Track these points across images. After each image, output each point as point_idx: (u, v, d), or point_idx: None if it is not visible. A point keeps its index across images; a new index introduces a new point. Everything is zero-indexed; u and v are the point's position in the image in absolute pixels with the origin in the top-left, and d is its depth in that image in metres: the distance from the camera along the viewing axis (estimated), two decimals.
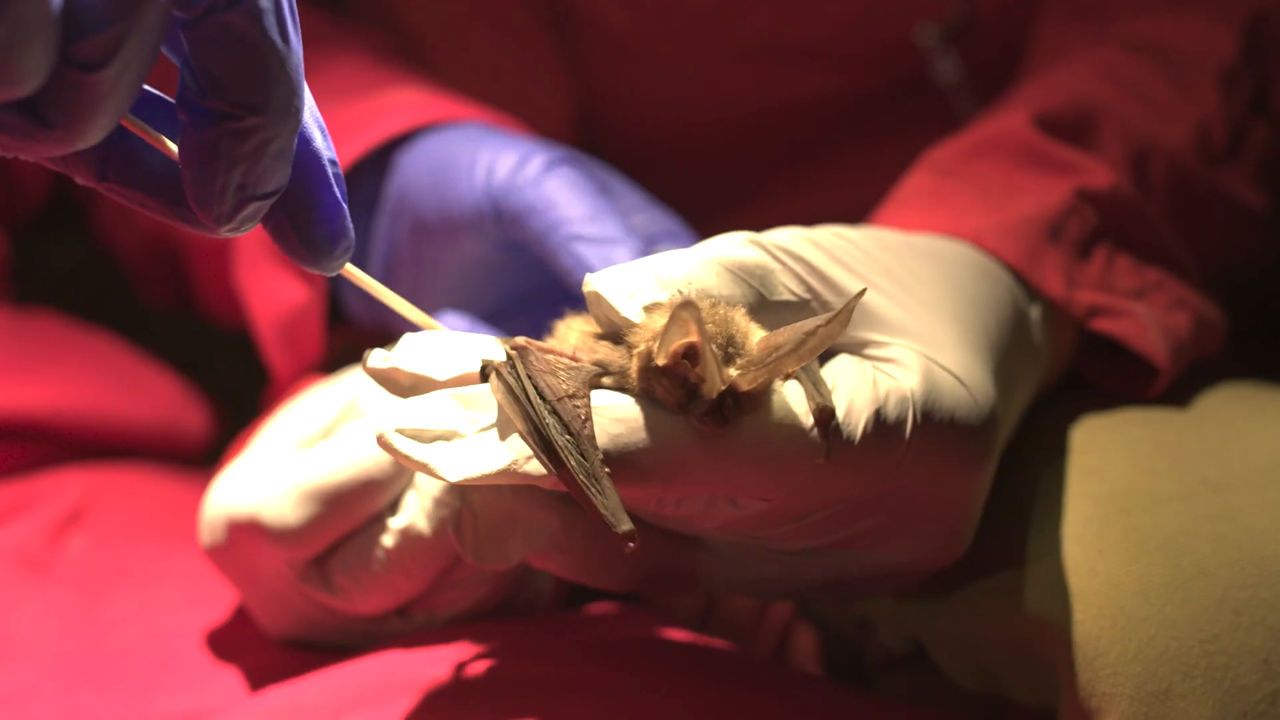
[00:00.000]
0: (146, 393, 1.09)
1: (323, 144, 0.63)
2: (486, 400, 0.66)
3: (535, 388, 0.65)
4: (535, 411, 0.64)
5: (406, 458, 0.64)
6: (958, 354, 0.69)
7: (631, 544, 0.62)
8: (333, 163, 0.64)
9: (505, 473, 0.64)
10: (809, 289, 0.69)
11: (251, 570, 0.78)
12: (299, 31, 0.59)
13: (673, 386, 0.64)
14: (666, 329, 0.63)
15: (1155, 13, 0.93)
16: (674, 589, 0.74)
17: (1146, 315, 0.81)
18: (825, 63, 1.03)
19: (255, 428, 0.88)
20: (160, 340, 1.18)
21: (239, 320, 1.02)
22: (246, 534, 0.76)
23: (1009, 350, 0.74)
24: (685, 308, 0.62)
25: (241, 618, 0.84)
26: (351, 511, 0.75)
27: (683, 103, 1.06)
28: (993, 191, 0.83)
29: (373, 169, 0.92)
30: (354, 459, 0.75)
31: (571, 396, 0.64)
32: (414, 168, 0.89)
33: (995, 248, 0.78)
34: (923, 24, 1.01)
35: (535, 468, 0.64)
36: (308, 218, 0.63)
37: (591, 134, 1.07)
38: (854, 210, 0.92)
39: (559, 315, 0.72)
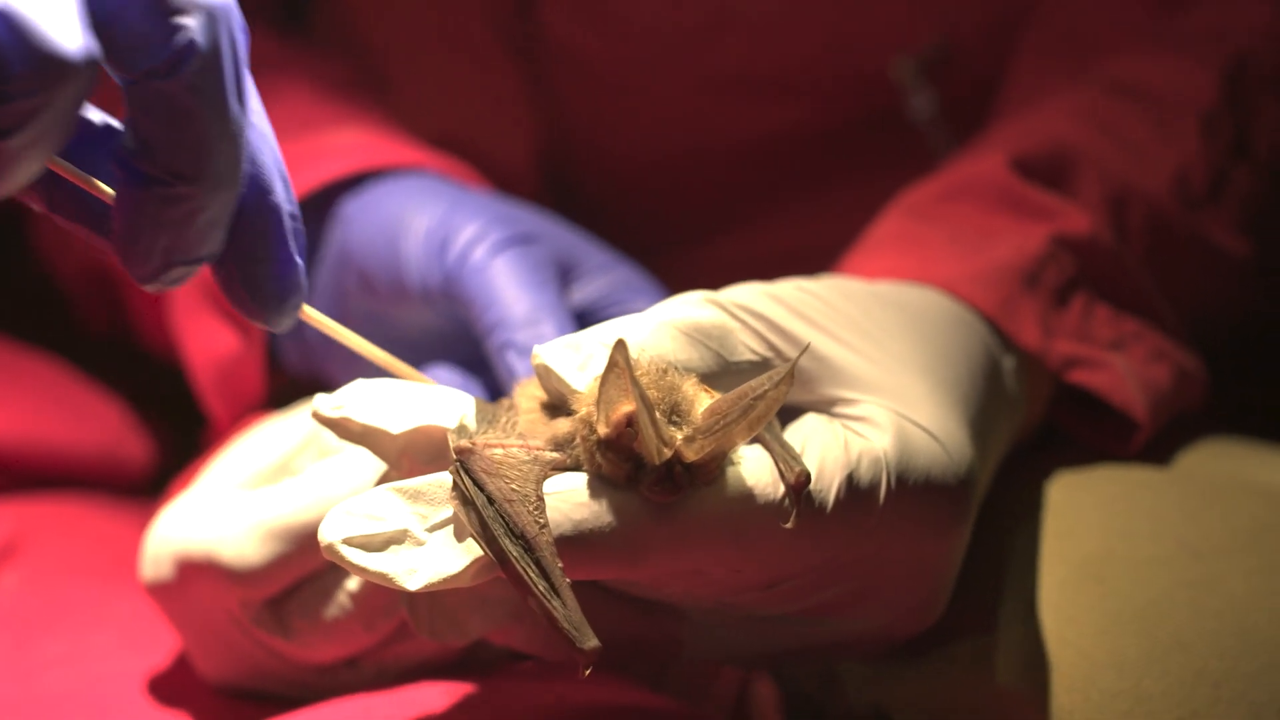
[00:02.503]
0: (87, 419, 1.06)
1: (284, 196, 0.61)
2: (434, 493, 0.63)
3: (485, 493, 0.61)
4: (485, 519, 0.61)
5: (360, 569, 0.61)
6: (931, 410, 0.67)
7: (589, 668, 0.60)
8: (294, 216, 0.61)
9: (463, 575, 0.61)
10: (771, 347, 0.66)
11: (197, 610, 0.75)
12: (247, 100, 0.57)
13: (618, 460, 0.61)
14: (601, 392, 0.60)
15: (1135, 53, 0.91)
16: (643, 660, 0.71)
17: (1125, 368, 0.79)
18: (798, 95, 1.01)
19: (198, 465, 0.85)
20: (102, 365, 1.14)
21: (175, 356, 0.99)
22: (198, 571, 0.73)
23: (984, 404, 0.71)
24: (614, 368, 0.59)
25: (180, 664, 0.81)
26: (315, 552, 0.71)
27: (652, 133, 1.03)
28: (967, 237, 0.80)
29: (314, 211, 0.89)
30: (321, 497, 0.71)
31: (524, 499, 0.61)
32: (361, 220, 0.87)
33: (969, 295, 0.76)
34: (898, 58, 0.99)
35: (495, 571, 0.61)
36: (259, 272, 0.61)
37: (560, 163, 1.04)
38: (826, 246, 0.90)
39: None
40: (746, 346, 0.66)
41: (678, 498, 0.61)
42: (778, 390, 0.60)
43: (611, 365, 0.60)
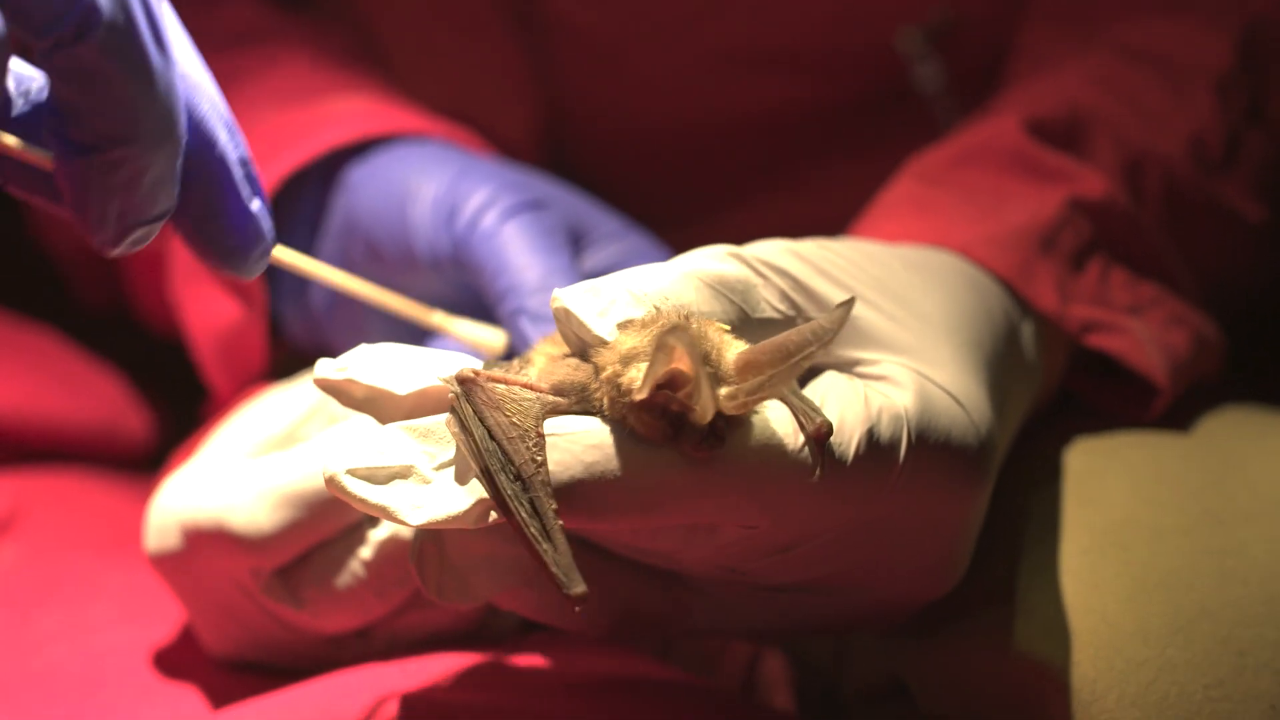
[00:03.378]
0: (86, 392, 1.04)
1: (229, 143, 0.59)
2: (444, 432, 0.61)
3: (485, 425, 0.60)
4: (483, 454, 0.59)
5: (361, 500, 0.59)
6: (953, 371, 0.65)
7: (579, 607, 0.58)
8: (244, 162, 0.59)
9: (469, 515, 0.59)
10: (793, 305, 0.65)
11: (204, 579, 0.74)
12: (169, 45, 0.55)
13: (653, 419, 0.59)
14: (653, 362, 0.58)
15: (1147, 19, 0.90)
16: (654, 632, 0.69)
17: (1143, 332, 0.77)
18: (802, 68, 0.99)
19: (199, 436, 0.83)
20: (101, 339, 1.13)
21: (171, 326, 0.98)
22: (207, 540, 0.72)
23: (1003, 367, 0.70)
24: (673, 333, 0.57)
25: (181, 637, 0.80)
26: (328, 519, 0.70)
27: (655, 107, 1.02)
28: (982, 200, 0.79)
29: (318, 179, 0.87)
30: None
31: (523, 436, 0.59)
32: (368, 188, 0.85)
33: (985, 259, 0.75)
34: (905, 28, 0.97)
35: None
36: (215, 226, 0.59)
37: (560, 138, 1.03)
38: (831, 220, 0.88)
39: None
40: (768, 303, 0.64)
41: (720, 451, 0.59)
42: (819, 344, 0.59)
43: (666, 327, 0.58)
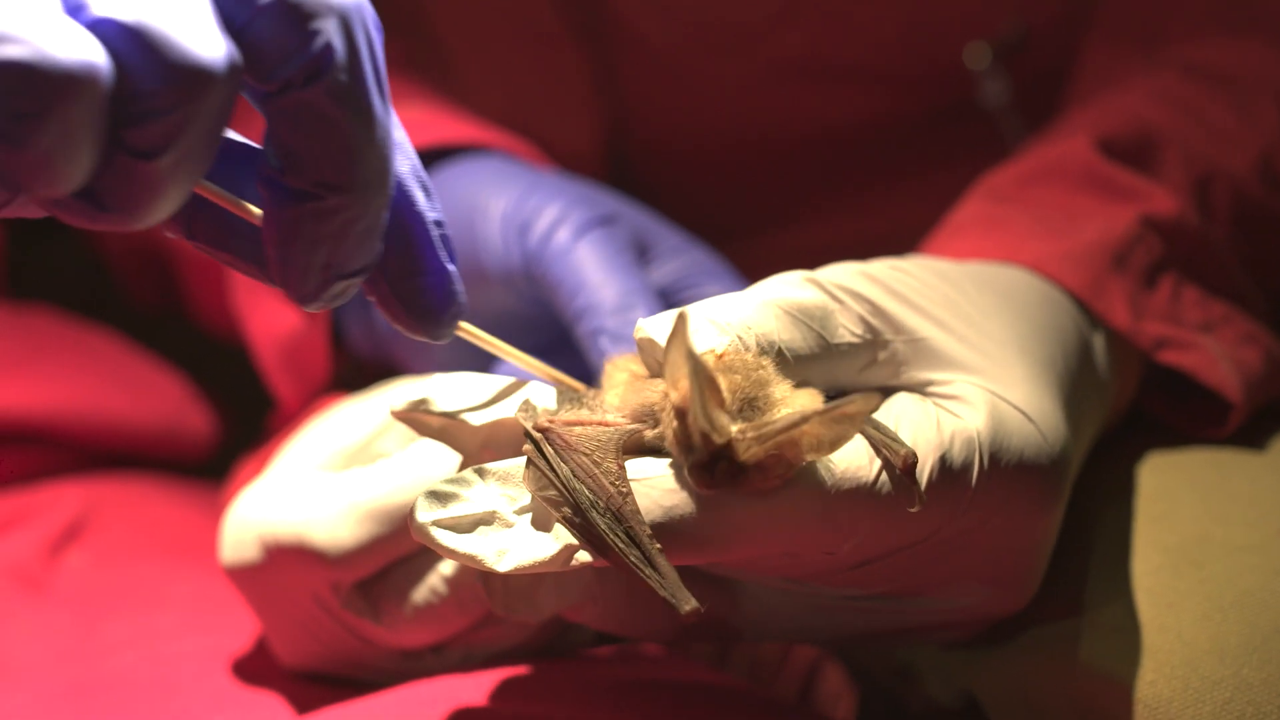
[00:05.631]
0: (149, 394, 1.05)
1: (426, 204, 0.59)
2: (521, 474, 0.62)
3: (569, 468, 0.60)
4: (571, 497, 0.60)
5: (450, 550, 0.60)
6: (1026, 389, 0.66)
7: (695, 619, 0.59)
8: (439, 223, 0.59)
9: (555, 560, 0.60)
10: (870, 329, 0.65)
11: (283, 593, 0.74)
12: (388, 99, 0.55)
13: (681, 430, 0.60)
14: (666, 357, 0.59)
15: (1212, 38, 0.90)
16: (713, 638, 0.69)
17: (1216, 349, 0.77)
18: (868, 81, 0.99)
19: (270, 447, 0.83)
20: (164, 341, 1.13)
21: (230, 330, 0.98)
22: (287, 554, 0.72)
23: (1076, 384, 0.70)
24: (675, 337, 0.58)
25: (251, 646, 0.80)
26: (409, 535, 0.70)
27: (720, 120, 1.02)
28: (1053, 218, 0.79)
29: None
30: (416, 479, 0.70)
31: (605, 472, 0.60)
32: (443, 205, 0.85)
33: (1058, 275, 0.75)
34: (974, 43, 0.98)
35: (585, 555, 0.60)
36: (413, 286, 0.59)
37: (623, 149, 1.03)
38: (894, 235, 0.88)
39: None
40: (847, 328, 0.65)
41: (713, 493, 0.59)
42: (842, 413, 0.59)
43: (673, 335, 0.58)
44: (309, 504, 0.71)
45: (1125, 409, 0.79)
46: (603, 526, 0.59)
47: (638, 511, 0.59)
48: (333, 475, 0.73)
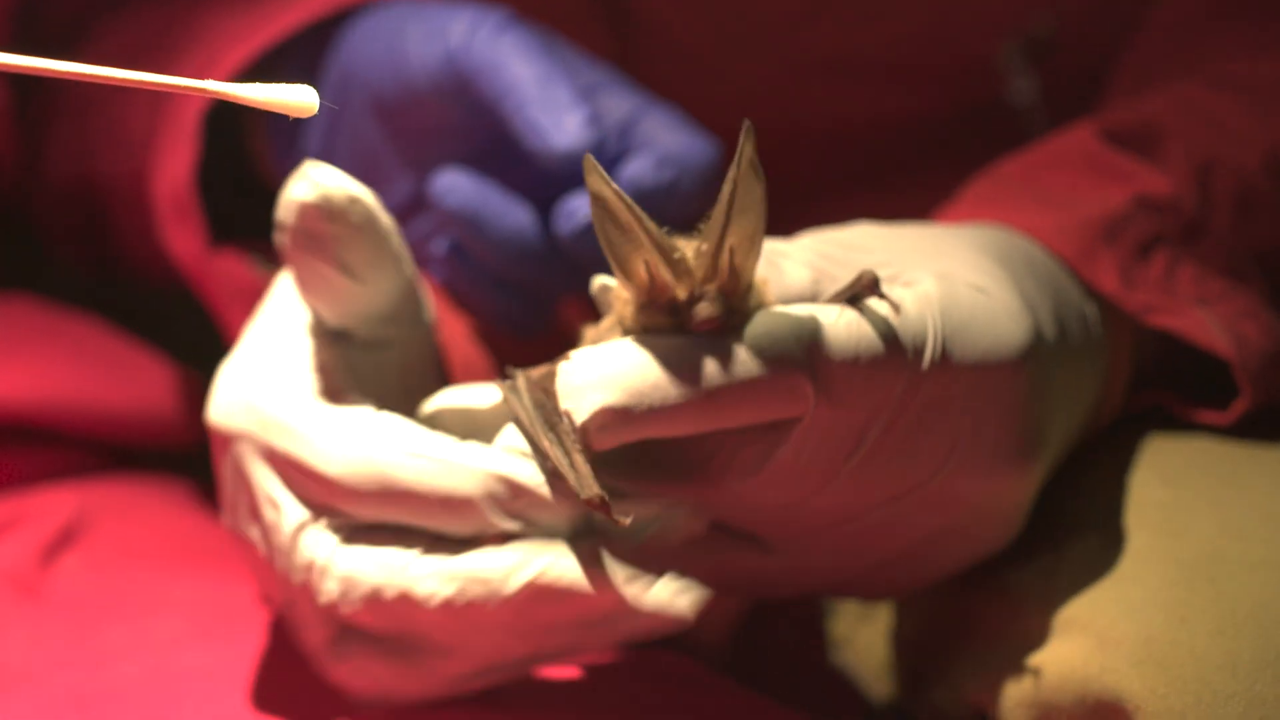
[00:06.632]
0: (137, 380, 1.03)
1: None
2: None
3: (527, 400, 0.67)
4: (529, 427, 0.66)
5: None
6: (986, 281, 0.69)
7: (598, 508, 0.63)
8: None
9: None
10: (817, 269, 0.69)
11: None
12: None
13: (657, 314, 0.64)
14: (612, 252, 0.64)
15: (1241, 58, 0.89)
16: (743, 592, 0.74)
17: (1210, 317, 0.77)
18: (896, 78, 0.99)
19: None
20: (154, 326, 1.11)
21: (167, 279, 0.97)
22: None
23: (1061, 321, 0.71)
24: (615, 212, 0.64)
25: (251, 654, 0.79)
26: None
27: (743, 115, 1.00)
28: (1050, 195, 0.80)
29: (310, 47, 0.89)
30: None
31: (548, 393, 0.66)
32: (361, 45, 0.86)
33: (1049, 242, 0.76)
34: (1003, 42, 0.97)
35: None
36: None
37: None
38: None
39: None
40: (794, 271, 0.68)
41: (722, 318, 0.63)
42: (745, 174, 0.63)
43: (613, 212, 0.63)
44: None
45: (1124, 392, 0.79)
46: (545, 439, 0.65)
47: (570, 431, 0.64)
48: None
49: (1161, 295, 0.77)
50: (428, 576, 0.67)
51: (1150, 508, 0.74)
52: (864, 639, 0.90)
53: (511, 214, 0.82)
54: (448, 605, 0.67)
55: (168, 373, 1.04)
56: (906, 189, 1.01)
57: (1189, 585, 0.70)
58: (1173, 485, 0.75)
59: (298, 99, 0.64)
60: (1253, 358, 0.77)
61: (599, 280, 0.68)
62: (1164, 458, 0.78)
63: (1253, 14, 0.92)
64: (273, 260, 0.90)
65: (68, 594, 0.86)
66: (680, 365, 0.63)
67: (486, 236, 0.82)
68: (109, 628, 0.83)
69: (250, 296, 0.87)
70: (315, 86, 0.85)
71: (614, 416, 0.64)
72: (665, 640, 0.81)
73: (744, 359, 0.64)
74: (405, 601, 0.67)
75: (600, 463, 0.64)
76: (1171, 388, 0.81)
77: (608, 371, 0.64)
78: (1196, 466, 0.77)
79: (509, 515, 0.67)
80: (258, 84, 0.63)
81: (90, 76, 0.60)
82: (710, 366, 0.63)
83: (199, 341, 1.01)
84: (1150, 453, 0.78)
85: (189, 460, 1.01)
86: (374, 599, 0.68)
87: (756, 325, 0.64)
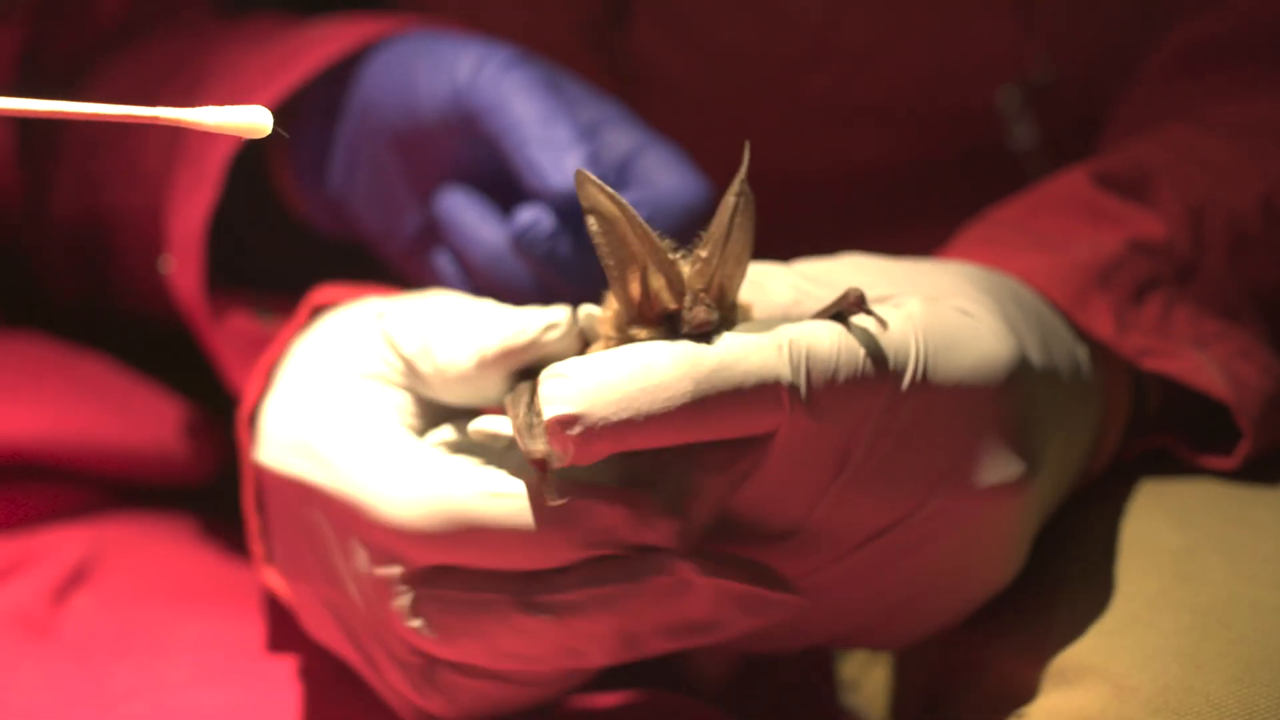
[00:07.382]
0: (146, 418, 1.03)
1: None
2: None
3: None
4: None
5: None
6: (972, 306, 0.69)
7: (537, 465, 0.63)
8: None
9: None
10: (800, 291, 0.69)
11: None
12: None
13: (651, 327, 0.65)
14: (611, 268, 0.65)
15: (1243, 97, 0.89)
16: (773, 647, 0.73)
17: (1207, 360, 0.77)
18: (894, 125, 0.99)
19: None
20: (162, 364, 1.11)
21: (167, 314, 0.96)
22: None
23: (1049, 351, 0.71)
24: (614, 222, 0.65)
25: (262, 696, 0.79)
26: None
27: (739, 157, 1.01)
28: (1044, 239, 0.80)
29: (331, 84, 0.89)
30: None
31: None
32: (377, 78, 0.87)
33: (1042, 287, 0.76)
34: (1003, 86, 0.97)
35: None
36: None
37: None
38: None
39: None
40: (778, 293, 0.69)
41: (715, 321, 0.64)
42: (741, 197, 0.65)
43: (611, 223, 0.64)
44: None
45: (1119, 437, 0.79)
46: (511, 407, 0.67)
47: (539, 423, 0.64)
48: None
49: (1157, 339, 0.77)
50: (531, 620, 0.66)
51: (1161, 552, 0.74)
52: (874, 681, 0.90)
53: (487, 226, 0.83)
54: (558, 641, 0.67)
55: (177, 409, 1.03)
56: (905, 232, 1.01)
57: (1204, 631, 0.70)
58: (1183, 529, 0.75)
59: (251, 120, 0.62)
60: (1252, 399, 0.77)
61: (585, 309, 0.69)
62: (1172, 500, 0.77)
63: (1244, 59, 0.92)
64: (275, 309, 0.90)
65: (78, 634, 0.86)
66: (663, 367, 0.63)
67: (462, 246, 0.83)
68: (119, 668, 0.83)
69: (251, 345, 0.87)
70: (339, 116, 0.88)
71: (598, 415, 0.63)
72: (670, 681, 0.82)
73: (725, 364, 0.63)
74: (519, 646, 0.67)
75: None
76: (1176, 430, 0.81)
77: (591, 366, 0.63)
78: (1205, 509, 0.77)
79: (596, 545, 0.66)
80: (210, 108, 0.61)
81: (36, 113, 0.59)
82: (693, 369, 0.63)
83: (196, 377, 1.01)
84: (1157, 495, 0.78)
85: (198, 496, 1.01)
86: (485, 647, 0.67)
87: (738, 332, 0.65)
